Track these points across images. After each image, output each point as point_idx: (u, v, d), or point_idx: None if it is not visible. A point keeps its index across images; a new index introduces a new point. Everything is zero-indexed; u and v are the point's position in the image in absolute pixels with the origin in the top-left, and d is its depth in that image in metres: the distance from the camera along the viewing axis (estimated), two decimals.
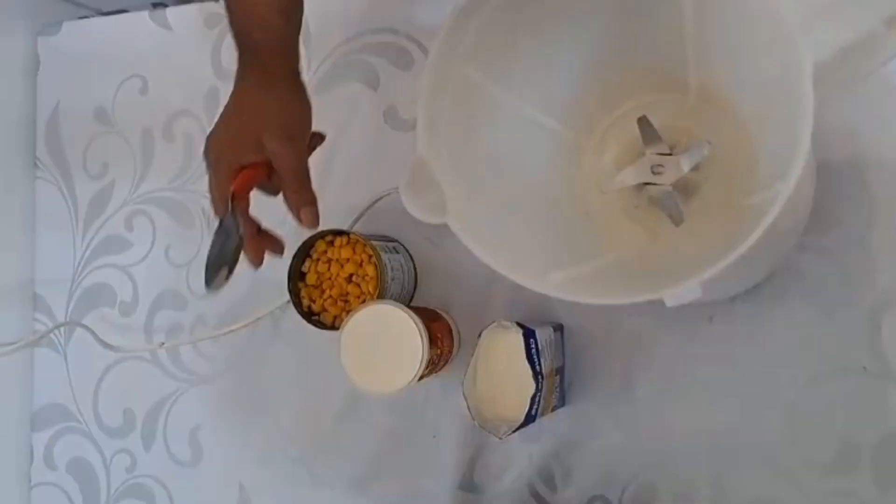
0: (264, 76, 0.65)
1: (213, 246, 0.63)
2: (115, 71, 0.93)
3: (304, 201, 0.65)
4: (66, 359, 0.92)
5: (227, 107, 0.66)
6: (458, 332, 0.76)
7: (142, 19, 0.93)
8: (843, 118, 0.67)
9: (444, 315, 0.75)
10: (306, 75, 0.74)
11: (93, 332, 0.81)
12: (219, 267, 0.63)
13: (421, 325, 0.67)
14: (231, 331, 0.79)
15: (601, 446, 0.72)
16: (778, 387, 0.67)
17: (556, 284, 0.44)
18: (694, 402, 0.70)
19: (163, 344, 0.85)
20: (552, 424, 0.73)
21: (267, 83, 0.65)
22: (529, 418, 0.64)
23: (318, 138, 0.69)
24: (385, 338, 0.67)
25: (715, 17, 0.42)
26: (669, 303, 0.41)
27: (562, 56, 0.51)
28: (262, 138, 0.63)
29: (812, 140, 0.61)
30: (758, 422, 0.68)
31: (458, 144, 0.45)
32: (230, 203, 0.63)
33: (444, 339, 0.72)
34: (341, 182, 0.81)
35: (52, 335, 0.91)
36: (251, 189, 0.66)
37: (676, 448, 0.70)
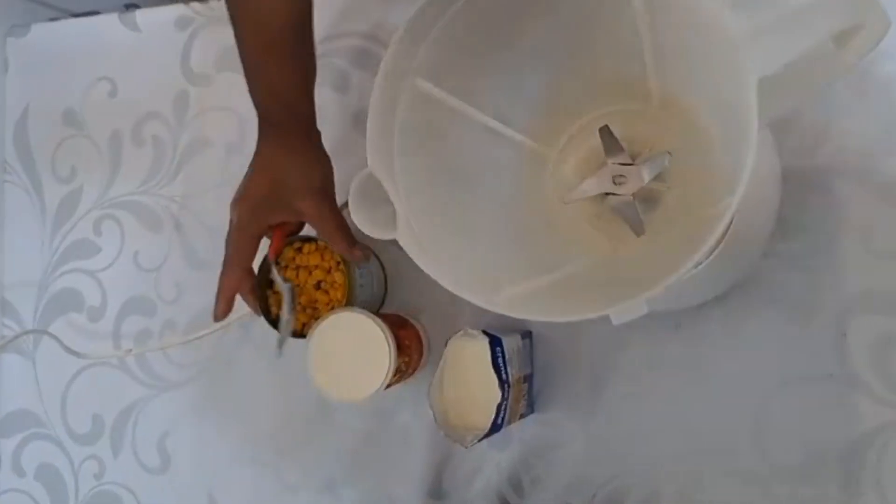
0: (287, 141, 0.68)
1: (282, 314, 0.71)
2: (84, 73, 0.93)
3: (351, 246, 0.70)
4: (34, 364, 0.91)
5: (252, 169, 0.69)
6: (428, 339, 0.75)
7: (111, 22, 0.92)
8: (811, 125, 0.67)
9: (413, 322, 0.75)
10: None
11: (59, 340, 0.80)
12: (288, 330, 0.71)
13: (388, 334, 0.66)
14: (199, 337, 0.79)
15: (569, 453, 0.72)
16: (745, 393, 0.67)
17: (505, 301, 0.43)
18: (662, 409, 0.70)
19: (130, 350, 0.85)
20: (521, 431, 0.73)
21: (289, 146, 0.68)
22: (496, 427, 0.64)
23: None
24: (352, 346, 0.67)
25: (668, 23, 0.41)
26: (616, 321, 0.41)
27: (522, 67, 0.51)
28: (293, 199, 0.68)
29: (778, 147, 0.62)
30: (725, 428, 0.68)
31: (412, 157, 0.44)
32: (273, 263, 0.71)
33: (412, 347, 0.72)
34: None
35: (20, 340, 0.90)
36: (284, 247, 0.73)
37: (644, 454, 0.70)
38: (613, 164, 0.50)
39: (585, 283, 0.48)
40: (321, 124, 0.69)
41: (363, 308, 0.69)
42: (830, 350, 0.65)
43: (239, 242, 0.69)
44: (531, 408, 0.71)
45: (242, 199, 0.69)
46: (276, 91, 0.66)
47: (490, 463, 0.74)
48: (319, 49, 0.83)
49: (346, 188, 0.79)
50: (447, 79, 0.49)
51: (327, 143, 0.69)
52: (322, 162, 0.70)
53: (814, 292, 0.66)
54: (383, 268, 0.79)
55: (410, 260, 0.66)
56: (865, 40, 0.39)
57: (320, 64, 0.82)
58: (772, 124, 0.57)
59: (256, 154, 0.69)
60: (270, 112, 0.68)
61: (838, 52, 0.40)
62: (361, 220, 0.51)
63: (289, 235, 0.73)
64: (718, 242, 0.49)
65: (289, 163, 0.68)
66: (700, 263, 0.39)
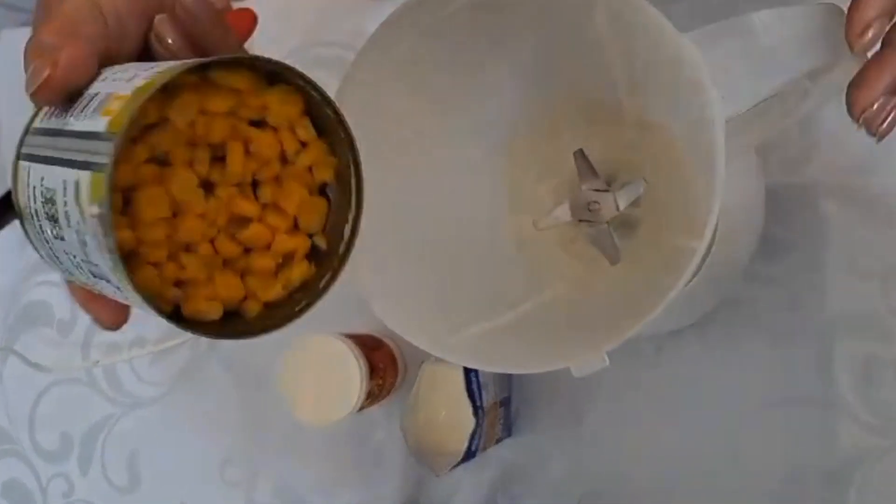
0: None
1: None
2: None
3: None
4: (1, 378, 0.89)
5: None
6: (404, 359, 0.74)
7: None
8: (795, 143, 0.66)
9: (388, 342, 0.73)
10: None
11: (23, 357, 0.78)
12: None
13: (361, 358, 0.65)
14: (166, 347, 0.77)
15: (548, 475, 0.70)
16: (725, 417, 0.66)
17: (459, 344, 0.41)
18: (641, 431, 0.68)
19: (97, 362, 0.83)
20: (499, 453, 0.71)
21: None
22: (469, 454, 0.62)
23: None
24: (324, 369, 0.65)
25: (637, 50, 0.40)
26: (577, 374, 0.39)
27: (494, 86, 0.49)
28: None
29: (763, 164, 0.61)
30: (705, 450, 0.66)
31: (368, 184, 0.42)
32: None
33: (387, 369, 0.70)
34: None
35: None
36: None
37: (623, 477, 0.68)
38: (587, 189, 0.48)
39: (551, 320, 0.46)
40: None
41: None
42: (813, 373, 0.64)
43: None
44: (508, 431, 0.70)
45: None
46: None
47: (467, 485, 0.72)
48: (295, 58, 0.82)
49: None
50: (412, 99, 0.47)
51: None
52: None
53: (797, 314, 0.65)
54: None
55: None
56: (841, 75, 0.38)
57: None
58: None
59: None
60: None
61: (812, 87, 0.38)
62: None
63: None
64: (696, 272, 0.48)
65: None
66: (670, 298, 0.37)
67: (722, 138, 0.35)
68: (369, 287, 0.43)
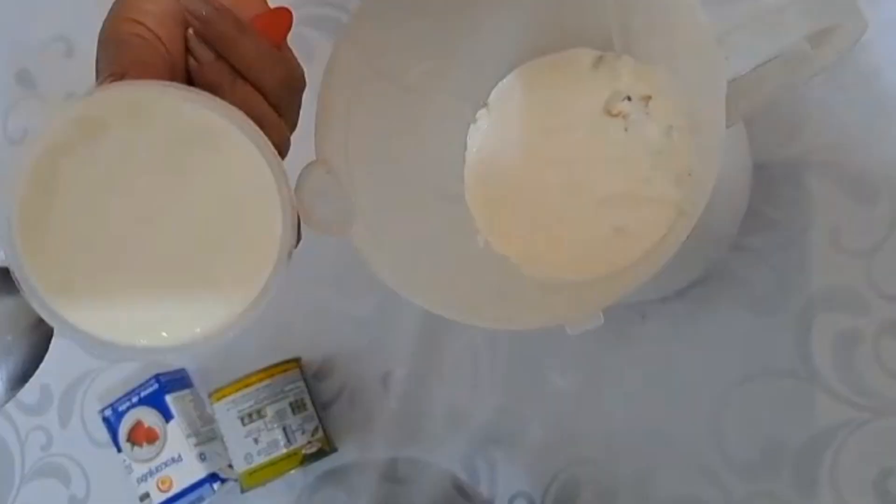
0: None
1: None
2: (38, 33, 0.89)
3: None
4: None
5: None
6: None
7: None
8: (784, 115, 0.66)
9: None
10: None
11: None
12: None
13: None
14: None
15: (525, 442, 0.71)
16: (705, 387, 0.67)
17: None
18: (620, 400, 0.69)
19: None
20: (479, 414, 0.72)
21: None
22: None
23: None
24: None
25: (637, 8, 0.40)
26: (571, 331, 0.40)
27: (495, 49, 0.49)
28: None
29: (750, 139, 0.61)
30: (683, 421, 0.67)
31: (371, 145, 0.41)
32: None
33: None
34: None
35: None
36: None
37: (601, 445, 0.69)
38: None
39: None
40: None
41: None
42: (793, 346, 0.65)
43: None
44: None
45: None
46: None
47: (446, 449, 0.73)
48: None
49: (310, 158, 0.78)
50: (406, 56, 0.47)
51: None
52: None
53: (780, 287, 0.66)
54: None
55: None
56: (842, 41, 0.38)
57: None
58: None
59: None
60: None
61: (813, 52, 0.39)
62: (310, 215, 0.43)
63: None
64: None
65: None
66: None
67: (723, 106, 0.35)
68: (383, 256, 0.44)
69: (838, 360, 0.64)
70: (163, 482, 0.75)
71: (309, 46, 0.79)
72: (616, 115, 0.50)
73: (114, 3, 0.45)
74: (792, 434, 0.64)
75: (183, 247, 0.41)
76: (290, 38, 0.79)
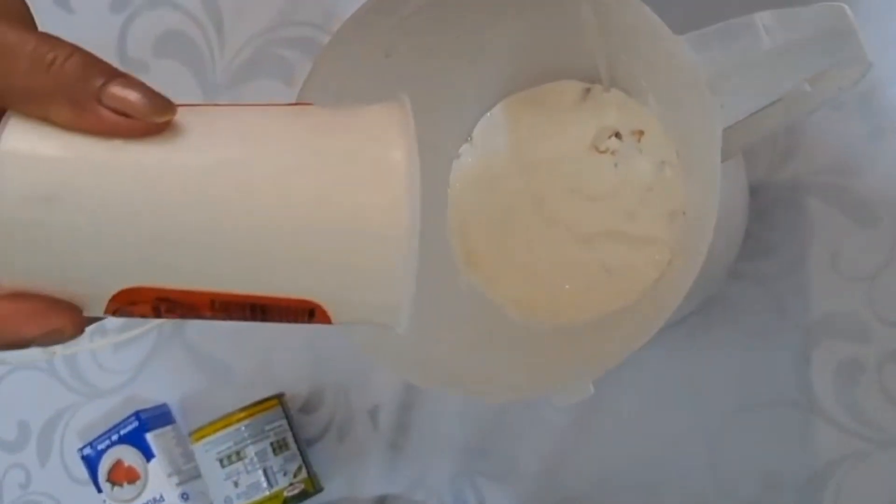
0: None
1: None
2: None
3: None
4: None
5: None
6: None
7: (43, 1, 0.86)
8: (780, 142, 0.64)
9: None
10: (219, 66, 0.73)
11: None
12: None
13: None
14: (128, 338, 0.75)
15: (517, 474, 0.69)
16: (703, 418, 0.65)
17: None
18: (616, 430, 0.67)
19: (54, 353, 0.80)
20: (470, 445, 0.70)
21: None
22: None
23: None
24: None
25: (627, 45, 0.38)
26: (557, 403, 0.38)
27: (479, 81, 0.47)
28: None
29: (747, 162, 0.59)
30: (681, 454, 0.65)
31: None
32: None
33: None
34: None
35: None
36: None
37: (597, 480, 0.67)
38: None
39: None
40: None
41: None
42: (794, 375, 0.63)
43: None
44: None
45: None
46: None
47: (437, 477, 0.71)
48: (266, 38, 0.79)
49: None
50: (383, 89, 0.45)
51: None
52: None
53: (779, 315, 0.64)
54: None
55: None
56: (844, 79, 0.36)
57: (265, 53, 0.78)
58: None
59: None
60: None
61: (813, 90, 0.37)
62: None
63: None
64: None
65: None
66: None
67: (719, 148, 0.33)
68: None
69: (840, 389, 0.62)
70: None
71: (289, 67, 0.77)
72: (604, 153, 0.48)
73: None
74: (793, 467, 0.63)
75: None
76: (269, 59, 0.77)
